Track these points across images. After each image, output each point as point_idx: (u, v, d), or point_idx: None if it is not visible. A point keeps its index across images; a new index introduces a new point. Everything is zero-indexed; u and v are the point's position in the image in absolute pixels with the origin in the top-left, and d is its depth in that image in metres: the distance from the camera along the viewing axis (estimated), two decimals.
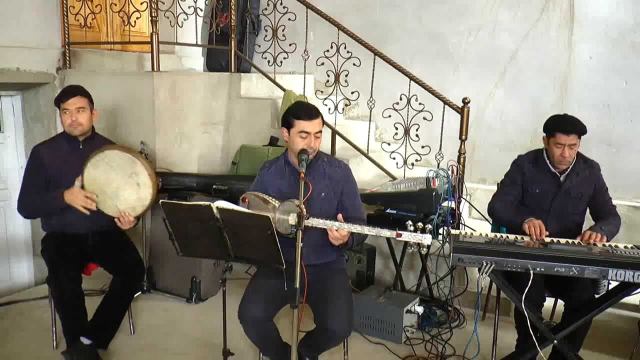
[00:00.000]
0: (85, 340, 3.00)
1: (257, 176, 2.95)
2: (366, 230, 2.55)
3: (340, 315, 2.59)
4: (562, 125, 3.02)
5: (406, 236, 2.48)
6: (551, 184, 3.15)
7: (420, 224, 2.49)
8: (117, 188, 3.07)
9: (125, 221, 3.08)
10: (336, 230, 2.56)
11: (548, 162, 3.14)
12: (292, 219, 2.58)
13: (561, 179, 3.14)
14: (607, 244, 2.83)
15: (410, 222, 2.50)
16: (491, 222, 3.48)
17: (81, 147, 3.20)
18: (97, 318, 3.10)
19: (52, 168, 3.14)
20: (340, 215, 2.62)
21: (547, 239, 2.84)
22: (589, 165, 3.16)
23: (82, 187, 3.05)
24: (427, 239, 2.47)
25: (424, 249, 2.51)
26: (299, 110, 2.77)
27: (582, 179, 3.13)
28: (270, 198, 2.74)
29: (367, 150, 4.44)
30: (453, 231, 2.95)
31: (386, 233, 2.54)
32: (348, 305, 2.68)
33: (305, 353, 2.84)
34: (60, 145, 3.22)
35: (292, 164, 2.85)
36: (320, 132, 2.79)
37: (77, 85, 3.25)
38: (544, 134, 3.13)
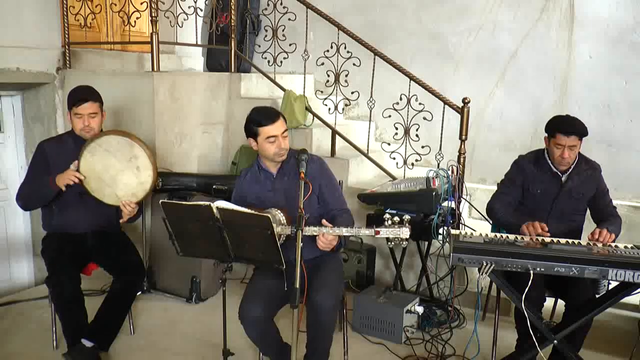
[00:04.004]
0: (87, 343, 2.99)
1: (235, 187, 2.95)
2: (344, 232, 2.54)
3: (325, 288, 2.60)
4: (562, 126, 3.02)
5: (384, 232, 2.47)
6: (553, 184, 3.15)
7: (396, 218, 2.47)
8: (116, 174, 3.04)
9: (127, 210, 3.06)
10: (322, 235, 2.54)
11: (549, 162, 3.14)
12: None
13: (563, 179, 3.14)
14: (609, 242, 2.83)
15: (387, 216, 2.48)
16: (491, 222, 3.48)
17: None
18: (98, 320, 3.09)
19: (56, 166, 3.12)
20: (324, 221, 2.61)
21: (547, 239, 2.84)
22: (590, 166, 3.16)
23: (77, 171, 3.02)
24: (404, 232, 2.46)
25: (404, 243, 2.50)
26: (260, 117, 2.76)
27: (584, 180, 3.13)
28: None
29: (367, 150, 4.44)
30: (453, 231, 2.95)
31: (365, 232, 2.54)
32: (335, 281, 2.69)
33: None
34: (66, 144, 3.20)
35: (266, 169, 2.87)
36: (286, 130, 2.79)
37: (88, 87, 3.21)
38: (545, 134, 3.13)
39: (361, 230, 2.55)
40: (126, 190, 3.06)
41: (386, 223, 2.47)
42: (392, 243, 2.51)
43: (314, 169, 2.83)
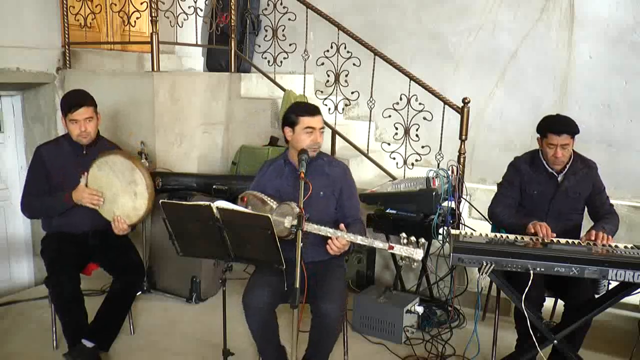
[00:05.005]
0: (88, 343, 3.00)
1: (256, 176, 2.98)
2: (359, 240, 2.54)
3: (332, 298, 2.60)
4: (553, 126, 3.03)
5: (398, 249, 2.46)
6: (549, 184, 3.15)
7: (413, 238, 2.46)
8: (116, 193, 3.08)
9: (119, 227, 3.07)
10: (336, 238, 2.55)
11: (544, 162, 3.14)
12: (288, 222, 2.59)
13: (559, 179, 3.13)
14: (606, 243, 2.82)
15: (404, 235, 2.47)
16: (491, 223, 3.48)
17: (84, 152, 3.18)
18: (99, 320, 3.09)
19: (54, 170, 3.14)
20: (342, 225, 2.62)
21: (547, 239, 2.83)
22: (586, 165, 3.16)
23: (86, 185, 3.06)
24: (418, 254, 2.44)
25: (415, 264, 2.49)
26: (302, 108, 2.86)
27: (580, 179, 3.13)
28: (269, 199, 2.75)
29: (367, 150, 4.44)
30: (453, 231, 2.95)
31: (379, 245, 2.53)
32: (339, 290, 2.69)
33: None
34: (63, 147, 3.21)
35: (292, 163, 2.88)
36: (323, 128, 2.86)
37: (81, 91, 3.21)
38: (538, 135, 3.13)
39: (375, 242, 2.54)
40: (122, 210, 3.09)
41: (402, 241, 2.46)
42: (404, 262, 2.51)
43: (337, 173, 2.89)
